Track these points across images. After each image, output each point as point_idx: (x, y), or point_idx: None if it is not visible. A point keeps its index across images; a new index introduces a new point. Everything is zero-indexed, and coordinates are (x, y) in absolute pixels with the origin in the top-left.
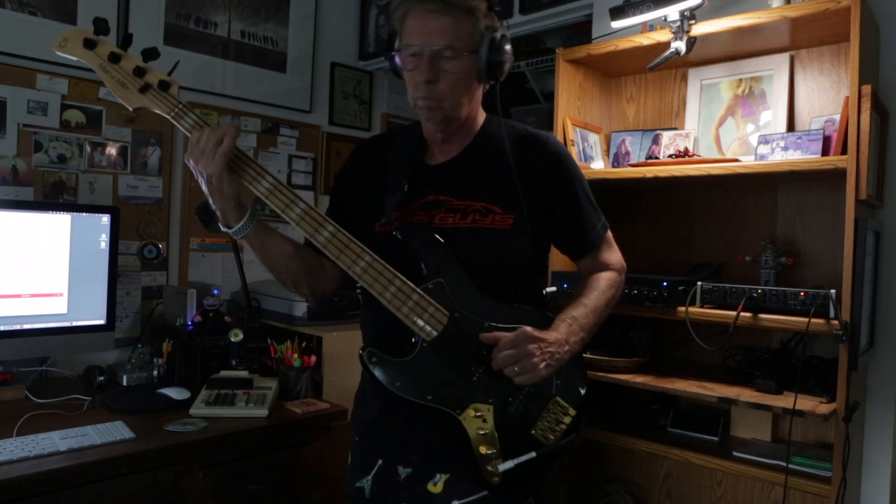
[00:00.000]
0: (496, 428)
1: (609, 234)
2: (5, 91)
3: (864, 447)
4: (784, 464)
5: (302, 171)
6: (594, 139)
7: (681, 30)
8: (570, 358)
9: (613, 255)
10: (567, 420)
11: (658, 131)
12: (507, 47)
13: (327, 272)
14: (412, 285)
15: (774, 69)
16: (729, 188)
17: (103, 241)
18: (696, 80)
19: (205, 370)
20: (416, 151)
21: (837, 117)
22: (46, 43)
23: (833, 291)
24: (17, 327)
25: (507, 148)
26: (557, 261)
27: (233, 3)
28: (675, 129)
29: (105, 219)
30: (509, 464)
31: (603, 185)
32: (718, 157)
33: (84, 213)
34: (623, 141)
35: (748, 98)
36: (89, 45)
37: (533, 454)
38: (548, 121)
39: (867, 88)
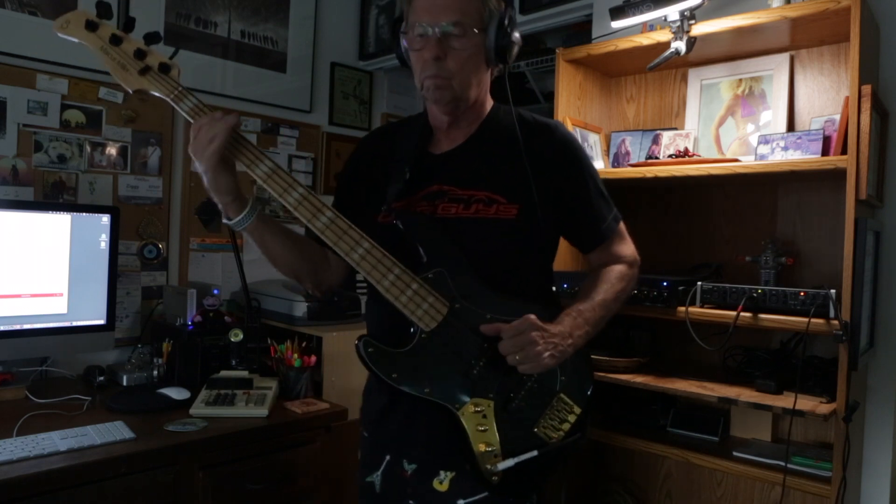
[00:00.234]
0: (497, 424)
1: (621, 226)
2: (5, 91)
3: (864, 447)
4: (784, 464)
5: (302, 171)
6: (594, 139)
7: (681, 30)
8: (576, 353)
9: (626, 248)
10: (571, 419)
11: (658, 131)
12: (517, 35)
13: (332, 265)
14: (412, 274)
15: (774, 69)
16: (729, 188)
17: (103, 241)
18: (696, 80)
19: (205, 370)
20: (421, 140)
21: (837, 117)
22: (46, 43)
23: (833, 291)
24: (17, 327)
25: (519, 135)
26: (558, 261)
27: (233, 3)
28: (675, 129)
29: (105, 219)
30: (509, 462)
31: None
32: (718, 157)
33: (84, 213)
34: (623, 141)
35: (748, 98)
36: (91, 26)
37: (535, 453)
38: None
39: (867, 88)
